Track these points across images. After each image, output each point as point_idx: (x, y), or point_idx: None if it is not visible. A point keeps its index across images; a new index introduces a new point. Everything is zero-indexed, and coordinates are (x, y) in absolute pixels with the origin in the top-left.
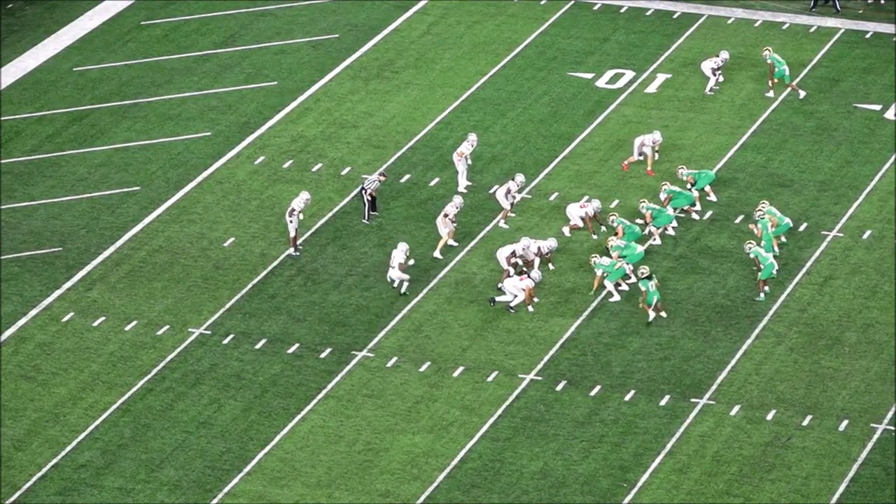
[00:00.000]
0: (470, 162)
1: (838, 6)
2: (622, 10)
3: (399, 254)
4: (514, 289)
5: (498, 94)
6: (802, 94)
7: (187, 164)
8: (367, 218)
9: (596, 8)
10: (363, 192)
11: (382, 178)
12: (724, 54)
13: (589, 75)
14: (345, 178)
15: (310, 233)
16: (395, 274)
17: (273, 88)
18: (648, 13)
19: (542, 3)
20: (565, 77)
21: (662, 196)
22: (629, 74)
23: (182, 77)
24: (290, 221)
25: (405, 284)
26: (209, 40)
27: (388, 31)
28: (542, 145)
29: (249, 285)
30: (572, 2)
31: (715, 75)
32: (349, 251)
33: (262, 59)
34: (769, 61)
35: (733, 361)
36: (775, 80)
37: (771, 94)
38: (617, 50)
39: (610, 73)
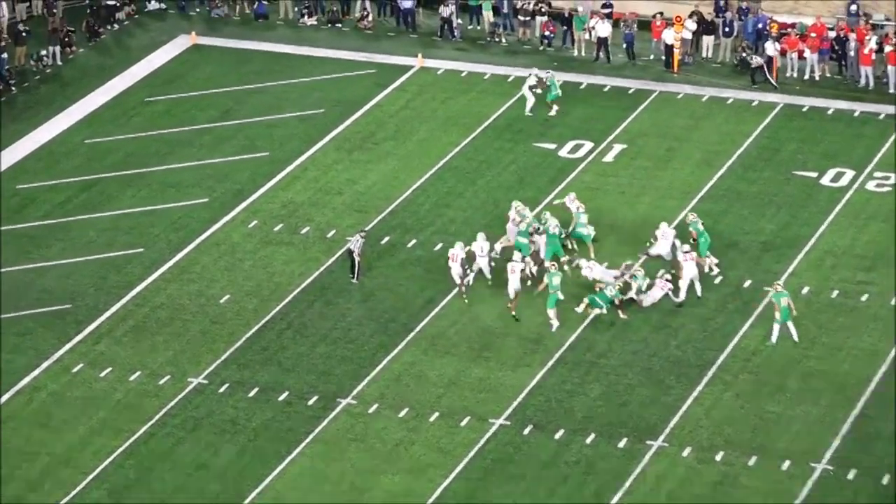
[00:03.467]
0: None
1: (775, 83)
2: (582, 87)
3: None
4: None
5: (469, 163)
6: (554, 111)
7: (187, 228)
8: (355, 277)
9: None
10: (351, 253)
11: (363, 235)
12: (535, 70)
13: (552, 146)
14: (330, 240)
15: (298, 290)
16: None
17: (265, 158)
18: (606, 89)
19: (510, 80)
20: (531, 147)
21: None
22: (588, 145)
23: (182, 148)
24: (467, 274)
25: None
26: (207, 115)
27: (369, 106)
28: (509, 209)
29: (243, 338)
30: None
31: (533, 92)
32: (334, 307)
33: (255, 132)
34: (546, 82)
35: (685, 407)
36: (550, 102)
37: (553, 112)
38: (577, 122)
39: (571, 144)
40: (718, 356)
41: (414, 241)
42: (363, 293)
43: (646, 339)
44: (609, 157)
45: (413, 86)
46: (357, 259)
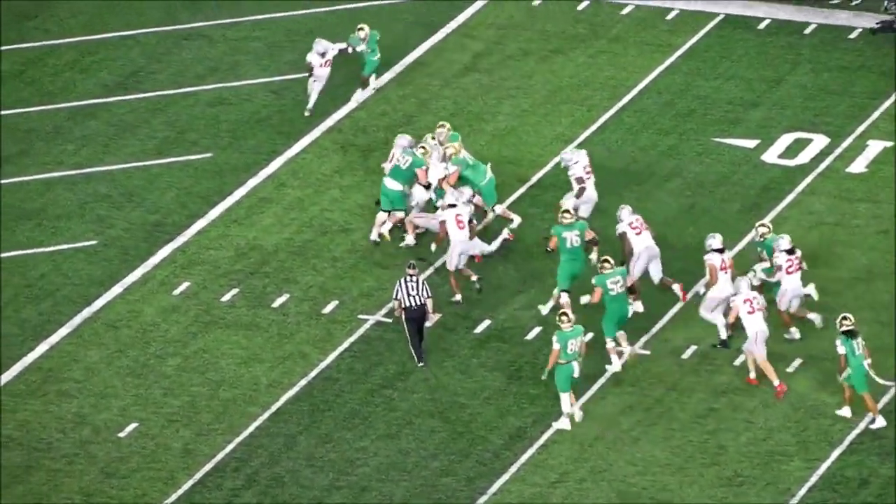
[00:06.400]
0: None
1: None
2: (807, 31)
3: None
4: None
5: (596, 173)
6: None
7: (56, 296)
8: (419, 356)
9: (761, 27)
10: (408, 310)
11: (415, 268)
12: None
13: (750, 143)
14: (329, 319)
15: (268, 414)
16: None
17: (206, 164)
18: (852, 36)
19: (670, 16)
20: (709, 145)
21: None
22: (819, 141)
23: (45, 143)
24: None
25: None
26: (94, 81)
27: (401, 67)
28: (670, 262)
29: None
30: (721, 16)
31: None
32: (340, 445)
33: (186, 115)
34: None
35: None
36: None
37: (365, 92)
38: (798, 99)
39: (786, 139)
40: None
41: (487, 323)
42: (391, 418)
43: None
44: (858, 166)
45: (485, 27)
46: (430, 313)
